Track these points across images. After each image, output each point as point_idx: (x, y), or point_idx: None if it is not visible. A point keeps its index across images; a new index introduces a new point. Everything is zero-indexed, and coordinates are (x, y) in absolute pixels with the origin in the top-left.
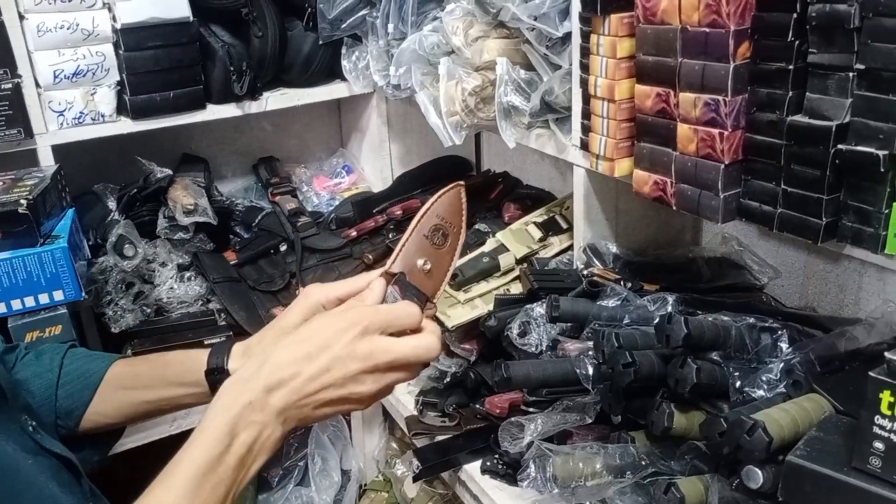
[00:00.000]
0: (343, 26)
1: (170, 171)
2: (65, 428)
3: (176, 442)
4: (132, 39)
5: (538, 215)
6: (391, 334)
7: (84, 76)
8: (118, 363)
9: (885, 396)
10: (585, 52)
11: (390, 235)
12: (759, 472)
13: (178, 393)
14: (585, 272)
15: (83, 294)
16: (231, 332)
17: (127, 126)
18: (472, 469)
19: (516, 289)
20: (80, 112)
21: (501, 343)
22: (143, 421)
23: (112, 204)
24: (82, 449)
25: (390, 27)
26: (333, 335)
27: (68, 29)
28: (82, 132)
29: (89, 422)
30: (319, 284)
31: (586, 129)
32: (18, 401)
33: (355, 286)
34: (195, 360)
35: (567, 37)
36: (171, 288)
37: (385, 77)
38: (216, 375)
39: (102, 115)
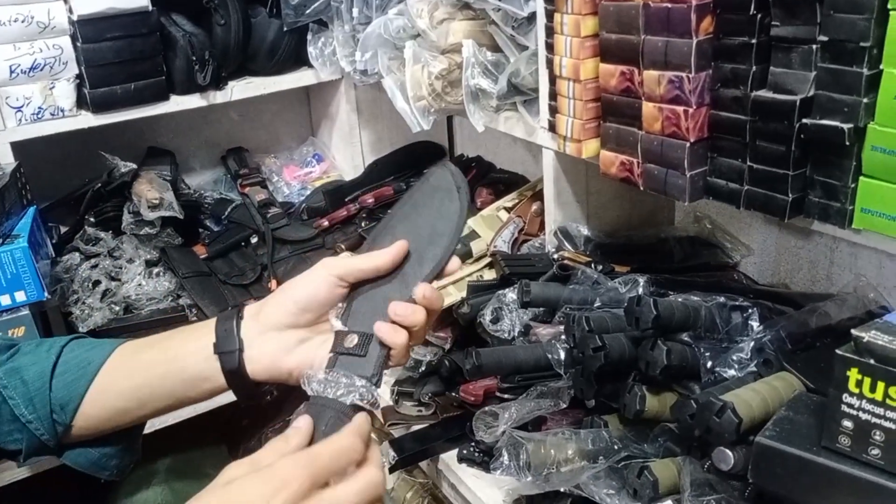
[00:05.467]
0: (308, 12)
1: (134, 166)
2: (61, 424)
3: (148, 441)
4: (90, 31)
5: (509, 200)
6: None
7: (41, 70)
8: (123, 347)
9: (853, 374)
10: (550, 31)
11: (363, 224)
12: (730, 453)
13: (181, 365)
14: (556, 256)
15: (46, 294)
16: None
17: (88, 120)
18: (450, 458)
19: (490, 275)
20: (39, 107)
21: (475, 330)
22: (140, 420)
23: None
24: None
25: (355, 11)
26: None
27: (23, 22)
28: (42, 128)
29: (84, 418)
30: (337, 258)
31: (553, 111)
32: None
33: (375, 263)
34: (204, 325)
35: (532, 16)
36: (140, 284)
37: (352, 63)
38: (225, 330)
39: (62, 110)
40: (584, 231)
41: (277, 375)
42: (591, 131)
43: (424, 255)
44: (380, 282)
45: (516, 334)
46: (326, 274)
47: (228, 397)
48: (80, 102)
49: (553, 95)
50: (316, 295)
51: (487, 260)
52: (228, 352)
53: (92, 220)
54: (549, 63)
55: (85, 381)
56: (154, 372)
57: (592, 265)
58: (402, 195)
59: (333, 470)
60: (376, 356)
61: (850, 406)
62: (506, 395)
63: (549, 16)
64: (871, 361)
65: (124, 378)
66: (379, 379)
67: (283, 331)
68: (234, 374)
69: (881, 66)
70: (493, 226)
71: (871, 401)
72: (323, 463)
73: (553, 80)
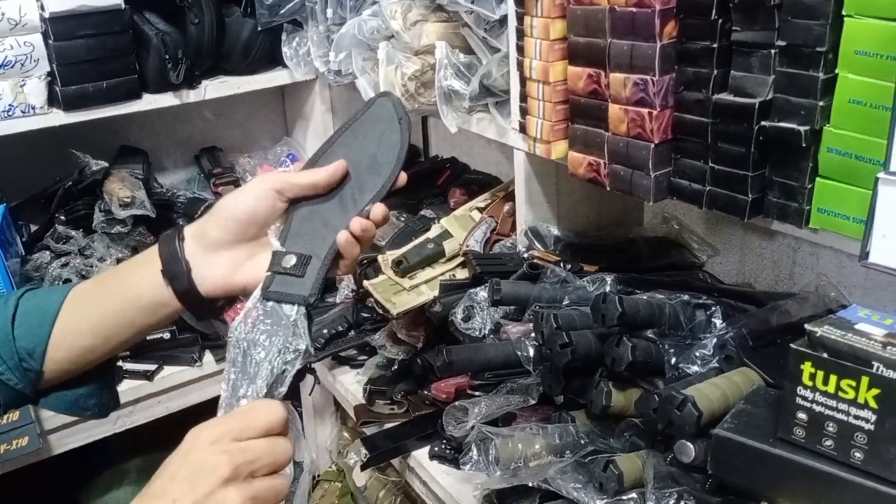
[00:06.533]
0: (282, 12)
1: (105, 164)
2: (32, 371)
3: (119, 440)
4: (62, 28)
5: (482, 200)
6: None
7: (12, 67)
8: (76, 288)
9: (807, 368)
10: (521, 34)
11: None
12: (691, 446)
13: (134, 294)
14: (526, 255)
15: None
16: (174, 326)
17: (59, 118)
18: (421, 455)
19: (462, 274)
20: (10, 105)
21: (448, 329)
22: (110, 354)
23: None
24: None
25: (329, 12)
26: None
27: None
28: (12, 125)
29: (53, 362)
30: (274, 172)
31: (524, 112)
32: None
33: (312, 179)
34: (150, 252)
35: (504, 19)
36: None
37: (326, 63)
38: (169, 253)
39: (33, 108)
40: (555, 231)
41: (231, 290)
42: (560, 133)
43: (364, 182)
44: (319, 205)
45: (487, 332)
46: (266, 187)
47: (199, 396)
48: (52, 100)
49: (523, 97)
50: (256, 209)
51: (460, 259)
52: (177, 274)
53: (63, 218)
54: (520, 65)
55: (46, 326)
56: (111, 307)
57: (562, 264)
58: None
59: (252, 426)
60: (314, 277)
61: (805, 399)
62: (476, 393)
63: (520, 19)
64: (824, 355)
65: (84, 317)
66: (317, 299)
67: (229, 247)
68: (187, 294)
69: (836, 71)
70: (465, 226)
71: (824, 393)
72: (238, 421)
73: (523, 82)
